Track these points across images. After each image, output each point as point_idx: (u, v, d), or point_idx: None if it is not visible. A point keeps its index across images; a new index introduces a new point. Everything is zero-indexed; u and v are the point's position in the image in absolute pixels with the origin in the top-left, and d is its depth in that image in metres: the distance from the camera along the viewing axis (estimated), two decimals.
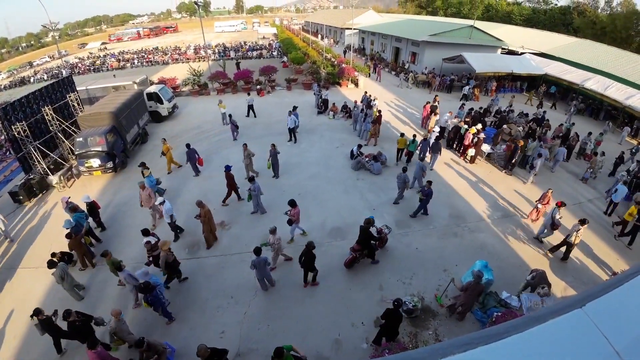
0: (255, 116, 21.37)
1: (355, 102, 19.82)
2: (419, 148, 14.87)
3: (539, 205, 11.25)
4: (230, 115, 18.55)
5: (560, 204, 10.23)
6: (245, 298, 8.79)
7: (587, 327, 2.28)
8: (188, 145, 14.33)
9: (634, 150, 16.07)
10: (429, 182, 11.32)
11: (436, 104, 19.38)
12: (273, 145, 13.63)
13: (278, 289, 9.04)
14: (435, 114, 18.50)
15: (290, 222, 10.05)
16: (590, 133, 16.23)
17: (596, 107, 23.97)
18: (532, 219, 11.59)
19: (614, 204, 12.07)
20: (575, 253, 10.28)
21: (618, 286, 2.52)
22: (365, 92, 21.05)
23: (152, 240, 9.18)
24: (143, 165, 13.26)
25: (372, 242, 9.40)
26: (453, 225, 11.45)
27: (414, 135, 15.16)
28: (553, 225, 10.20)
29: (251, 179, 11.34)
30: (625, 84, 22.23)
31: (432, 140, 15.08)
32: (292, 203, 10.11)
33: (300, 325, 8.04)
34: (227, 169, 12.07)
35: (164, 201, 10.28)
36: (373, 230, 9.61)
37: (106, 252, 8.71)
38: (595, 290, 2.55)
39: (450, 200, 12.83)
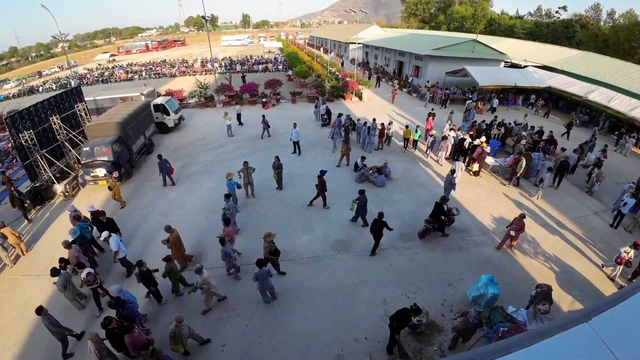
0: (241, 124, 22.32)
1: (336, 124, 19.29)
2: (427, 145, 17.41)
3: (512, 233, 10.22)
4: (263, 116, 20.18)
5: (639, 243, 9.43)
6: (247, 311, 8.69)
7: (593, 341, 2.23)
8: (160, 156, 14.69)
9: (589, 144, 16.70)
10: (361, 192, 11.27)
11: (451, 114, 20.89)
12: (277, 157, 13.74)
13: (280, 302, 8.93)
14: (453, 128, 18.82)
15: (222, 242, 9.41)
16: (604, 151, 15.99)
17: (612, 121, 22.93)
18: (509, 245, 10.72)
19: (621, 216, 11.92)
20: (582, 267, 10.14)
21: (624, 300, 2.47)
22: (348, 115, 20.13)
23: (92, 271, 8.57)
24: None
25: (442, 217, 10.77)
26: (458, 239, 11.32)
27: (417, 126, 18.30)
28: (617, 258, 9.49)
29: (226, 196, 10.92)
30: (629, 95, 22.21)
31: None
32: (226, 221, 9.86)
33: (303, 340, 7.91)
34: (322, 173, 12.38)
35: (110, 235, 9.54)
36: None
37: (169, 257, 8.83)
38: (601, 304, 2.51)
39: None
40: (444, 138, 16.58)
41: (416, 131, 17.74)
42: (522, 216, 10.17)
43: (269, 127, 20.05)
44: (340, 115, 19.26)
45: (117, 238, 9.62)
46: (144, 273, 8.44)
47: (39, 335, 8.27)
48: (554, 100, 27.58)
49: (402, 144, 18.41)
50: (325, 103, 24.19)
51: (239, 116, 22.38)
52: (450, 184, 12.77)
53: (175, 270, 8.90)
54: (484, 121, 19.87)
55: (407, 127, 17.91)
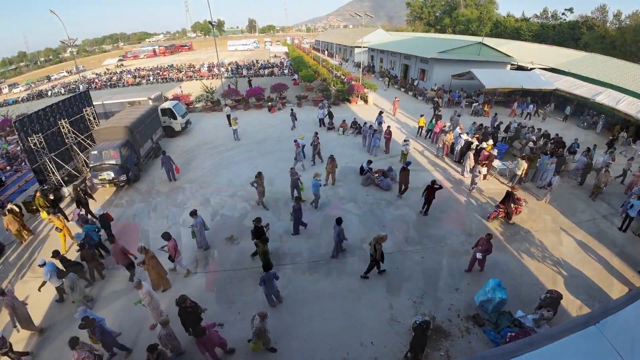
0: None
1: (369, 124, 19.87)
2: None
3: (479, 255, 9.41)
4: (292, 109, 22.92)
5: None
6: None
7: (601, 344, 2.21)
8: (163, 152, 15.52)
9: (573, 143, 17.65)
10: (297, 198, 11.58)
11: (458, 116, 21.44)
12: (292, 169, 13.70)
13: (285, 306, 8.94)
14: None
15: (171, 259, 9.36)
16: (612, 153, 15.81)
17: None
18: (468, 269, 9.92)
19: (630, 219, 11.74)
20: (590, 271, 10.00)
21: (632, 303, 2.44)
22: (381, 112, 20.89)
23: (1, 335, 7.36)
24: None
25: (512, 205, 11.82)
26: (465, 243, 11.21)
27: (432, 117, 20.66)
28: None
29: (193, 213, 10.45)
30: (637, 97, 21.90)
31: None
32: (166, 236, 9.36)
33: (308, 344, 7.90)
34: (407, 164, 13.70)
35: (45, 263, 9.08)
36: None
37: (266, 239, 9.43)
38: (609, 307, 2.49)
39: (462, 217, 12.65)
40: (442, 132, 17.58)
41: (430, 122, 20.12)
42: (489, 236, 9.32)
43: (296, 119, 22.31)
44: (381, 113, 20.46)
45: (50, 267, 9.05)
46: (258, 229, 9.83)
47: (44, 335, 8.38)
48: (561, 103, 27.34)
49: (417, 131, 21.01)
50: (330, 107, 24.23)
51: (228, 117, 22.77)
52: (476, 175, 13.89)
53: (266, 250, 9.25)
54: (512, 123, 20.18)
55: (422, 115, 20.69)
